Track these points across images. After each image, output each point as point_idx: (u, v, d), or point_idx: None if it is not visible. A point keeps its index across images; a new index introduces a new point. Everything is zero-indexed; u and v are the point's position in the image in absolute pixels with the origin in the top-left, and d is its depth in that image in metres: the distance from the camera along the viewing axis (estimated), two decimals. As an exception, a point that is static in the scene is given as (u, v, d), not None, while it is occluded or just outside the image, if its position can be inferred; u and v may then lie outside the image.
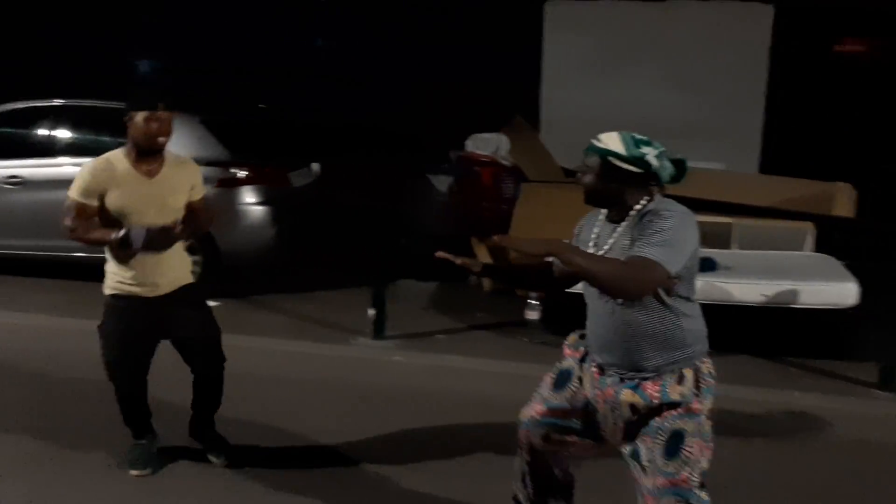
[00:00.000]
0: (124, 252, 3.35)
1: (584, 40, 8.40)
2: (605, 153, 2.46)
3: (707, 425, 2.49)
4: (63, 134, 6.77)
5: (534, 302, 5.52)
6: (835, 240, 6.19)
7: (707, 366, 2.52)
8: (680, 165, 2.54)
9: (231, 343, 5.28)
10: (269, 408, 4.47)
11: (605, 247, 2.51)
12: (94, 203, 3.38)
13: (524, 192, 6.67)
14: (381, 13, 10.22)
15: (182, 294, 3.57)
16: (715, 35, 7.94)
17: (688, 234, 2.38)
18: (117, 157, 3.45)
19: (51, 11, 11.18)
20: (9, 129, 7.03)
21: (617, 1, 8.27)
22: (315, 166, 7.22)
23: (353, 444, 4.08)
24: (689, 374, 2.44)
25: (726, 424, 4.31)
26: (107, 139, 6.95)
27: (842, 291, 5.10)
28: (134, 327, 3.49)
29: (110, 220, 3.39)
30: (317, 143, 7.77)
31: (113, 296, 3.49)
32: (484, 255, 6.57)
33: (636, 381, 2.46)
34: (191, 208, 3.60)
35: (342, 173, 7.70)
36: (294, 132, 7.71)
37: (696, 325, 2.51)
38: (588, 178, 2.51)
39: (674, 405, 2.43)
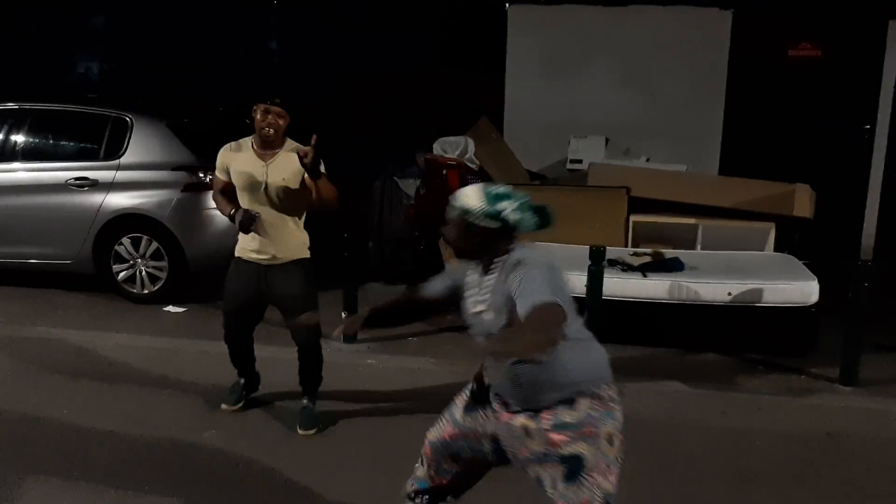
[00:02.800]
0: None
1: (547, 43, 8.47)
2: (462, 211, 2.49)
3: (608, 448, 2.46)
4: (18, 138, 6.60)
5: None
6: (794, 239, 6.37)
7: (609, 392, 2.51)
8: (543, 213, 2.56)
9: (200, 349, 5.29)
10: (242, 414, 4.44)
11: (480, 297, 2.53)
12: (223, 177, 4.09)
13: (491, 194, 6.71)
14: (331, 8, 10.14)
15: (291, 266, 4.10)
16: (675, 39, 8.07)
17: (557, 275, 2.39)
18: (246, 142, 4.07)
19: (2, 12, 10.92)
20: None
21: (578, 5, 8.35)
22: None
23: (325, 447, 4.09)
24: (583, 400, 2.45)
25: (695, 421, 4.43)
26: (65, 143, 6.84)
27: (804, 290, 5.25)
28: (246, 286, 4.12)
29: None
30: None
31: (236, 258, 4.16)
32: (451, 259, 6.59)
33: (534, 410, 2.50)
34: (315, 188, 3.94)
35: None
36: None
37: (584, 360, 2.51)
38: (451, 233, 2.55)
39: (566, 428, 2.43)
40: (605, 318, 5.01)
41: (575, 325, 2.48)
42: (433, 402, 4.59)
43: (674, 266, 5.49)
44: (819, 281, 5.29)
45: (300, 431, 4.21)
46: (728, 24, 8.00)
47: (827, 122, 8.14)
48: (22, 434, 4.14)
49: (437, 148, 7.48)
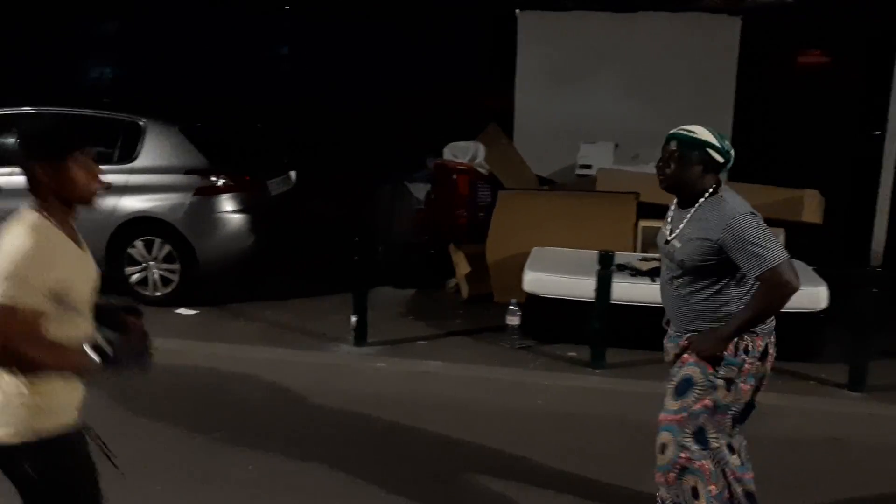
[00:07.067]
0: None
1: (557, 49, 8.51)
2: (695, 142, 2.76)
3: (724, 395, 2.76)
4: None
5: (514, 307, 5.58)
6: (803, 245, 6.37)
7: (746, 342, 2.81)
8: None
9: (210, 351, 5.36)
10: (253, 413, 4.49)
11: (676, 231, 2.86)
12: (44, 307, 2.13)
13: (500, 199, 6.76)
14: (355, 18, 10.25)
15: None
16: (683, 46, 8.09)
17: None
18: (46, 225, 2.20)
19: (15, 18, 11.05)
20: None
21: (587, 11, 8.38)
22: (292, 175, 7.24)
23: (335, 448, 4.13)
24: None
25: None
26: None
27: (813, 295, 5.26)
28: None
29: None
30: (293, 150, 7.79)
31: None
32: (461, 263, 6.64)
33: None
34: None
35: (319, 181, 7.74)
36: (270, 140, 7.72)
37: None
38: (669, 164, 2.81)
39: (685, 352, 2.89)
40: (614, 322, 5.04)
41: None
42: (443, 404, 4.68)
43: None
44: (828, 287, 5.30)
45: None
46: (737, 31, 8.02)
47: (836, 129, 8.15)
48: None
49: (448, 153, 7.53)
